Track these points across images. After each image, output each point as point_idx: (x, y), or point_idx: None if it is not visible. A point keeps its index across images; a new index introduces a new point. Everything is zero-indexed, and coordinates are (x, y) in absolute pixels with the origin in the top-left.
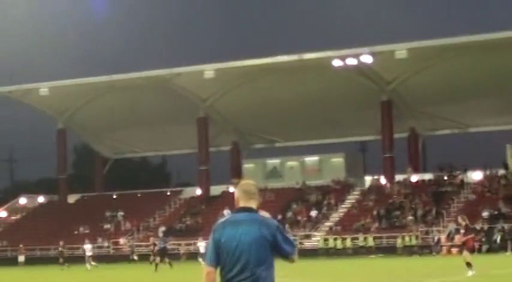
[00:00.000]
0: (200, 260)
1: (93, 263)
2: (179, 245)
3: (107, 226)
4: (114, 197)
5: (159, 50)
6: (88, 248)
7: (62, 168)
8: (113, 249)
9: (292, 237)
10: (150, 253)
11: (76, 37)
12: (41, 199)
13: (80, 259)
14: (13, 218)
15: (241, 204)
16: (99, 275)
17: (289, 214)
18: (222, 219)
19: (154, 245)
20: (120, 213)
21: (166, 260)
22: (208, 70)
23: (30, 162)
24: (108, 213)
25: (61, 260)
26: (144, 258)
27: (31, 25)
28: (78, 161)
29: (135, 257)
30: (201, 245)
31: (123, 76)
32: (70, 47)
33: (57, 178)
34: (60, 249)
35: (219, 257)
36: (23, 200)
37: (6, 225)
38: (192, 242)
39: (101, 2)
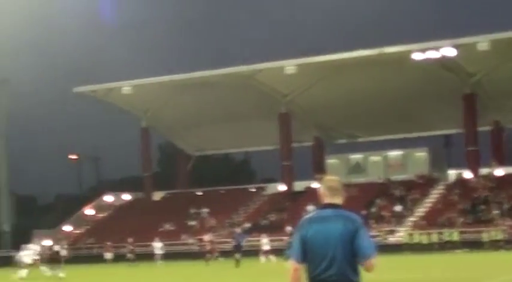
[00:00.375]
0: (263, 257)
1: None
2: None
3: (191, 223)
4: (199, 193)
5: (239, 47)
6: (158, 246)
7: (146, 166)
8: (198, 246)
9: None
10: (207, 251)
11: (160, 35)
12: (126, 197)
13: (166, 256)
14: (99, 215)
15: (326, 200)
16: (178, 272)
17: (373, 209)
18: (308, 216)
19: (210, 242)
20: (205, 210)
21: (237, 256)
22: (289, 66)
23: (115, 161)
24: (192, 210)
25: (130, 256)
26: (225, 255)
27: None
28: (163, 159)
29: (216, 254)
30: (264, 242)
31: (204, 73)
32: (152, 45)
33: (142, 176)
34: (129, 246)
35: (306, 254)
36: (109, 198)
37: (93, 222)
38: (277, 238)
39: (109, 10)
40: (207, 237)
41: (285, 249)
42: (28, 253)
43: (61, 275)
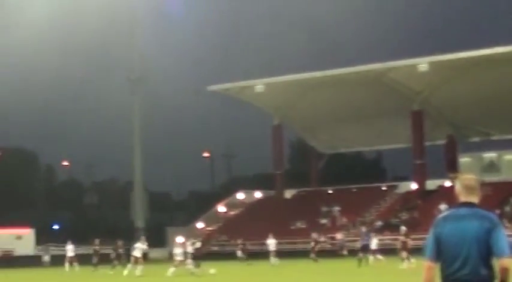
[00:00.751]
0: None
1: (273, 259)
2: (396, 240)
3: (323, 221)
4: (330, 192)
5: (372, 43)
6: (272, 243)
7: (278, 163)
8: (330, 244)
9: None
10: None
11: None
12: (258, 194)
13: (296, 254)
14: (231, 213)
15: (463, 199)
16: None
17: (507, 208)
18: (444, 214)
19: (316, 242)
20: (336, 208)
21: (360, 255)
22: (422, 63)
23: (248, 158)
24: (324, 208)
25: (240, 254)
26: (354, 253)
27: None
28: (294, 157)
29: (345, 252)
30: (373, 241)
31: (336, 71)
32: (285, 43)
33: (274, 173)
34: (240, 244)
35: (440, 252)
36: (240, 195)
37: (225, 220)
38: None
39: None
40: (339, 236)
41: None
42: (137, 249)
43: (212, 271)
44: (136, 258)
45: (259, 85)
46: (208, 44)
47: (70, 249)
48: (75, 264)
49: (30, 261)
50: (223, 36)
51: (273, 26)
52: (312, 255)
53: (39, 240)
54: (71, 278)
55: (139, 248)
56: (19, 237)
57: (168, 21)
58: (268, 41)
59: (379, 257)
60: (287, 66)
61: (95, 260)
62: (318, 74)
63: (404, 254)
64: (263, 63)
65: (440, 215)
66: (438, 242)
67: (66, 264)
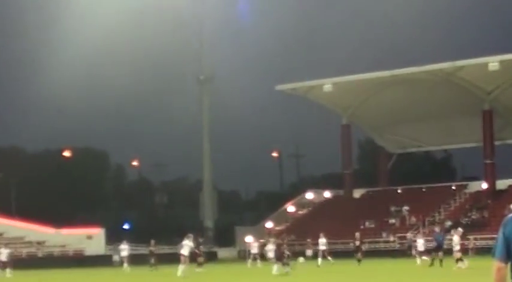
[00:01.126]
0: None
1: (329, 258)
2: (467, 240)
3: (391, 221)
4: (399, 191)
5: (440, 42)
6: (323, 243)
7: (346, 163)
8: (398, 244)
9: None
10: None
11: (365, 33)
12: (326, 194)
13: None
14: (300, 212)
15: None
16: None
17: None
18: None
19: (361, 242)
20: (405, 208)
21: (440, 255)
22: (493, 62)
23: (316, 157)
24: (393, 208)
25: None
26: (423, 253)
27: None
28: (363, 156)
29: (414, 252)
30: (420, 242)
31: (404, 70)
32: (351, 42)
33: (342, 173)
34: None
35: (510, 253)
36: (309, 195)
37: (294, 219)
38: (479, 236)
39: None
40: (409, 235)
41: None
42: (185, 247)
43: (300, 260)
44: (184, 256)
45: (327, 84)
46: (278, 44)
47: (124, 249)
48: (126, 264)
49: (101, 261)
50: (292, 36)
51: (342, 26)
52: (358, 255)
53: (110, 239)
54: (137, 277)
55: (187, 245)
56: (89, 237)
57: (239, 21)
58: (337, 40)
59: (425, 258)
60: (355, 65)
61: (152, 260)
62: (386, 73)
63: (458, 254)
64: (331, 63)
65: (509, 215)
66: (508, 242)
67: (125, 265)
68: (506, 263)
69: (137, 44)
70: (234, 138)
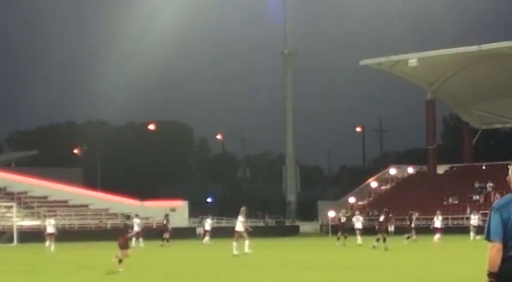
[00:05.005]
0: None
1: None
2: None
3: (475, 197)
4: (483, 167)
5: None
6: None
7: (430, 139)
8: (482, 220)
9: None
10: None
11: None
12: (410, 170)
13: (448, 230)
14: (383, 188)
15: None
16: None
17: None
18: (506, 199)
19: (411, 219)
20: (490, 185)
21: None
22: None
23: (400, 133)
24: (477, 185)
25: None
26: None
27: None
28: (447, 132)
29: None
30: (474, 218)
31: (492, 45)
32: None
33: (426, 149)
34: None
35: (505, 234)
36: (392, 171)
37: (376, 195)
38: None
39: None
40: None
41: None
42: (239, 223)
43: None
44: (239, 232)
45: (412, 59)
46: (361, 18)
47: (209, 223)
48: (207, 238)
49: (184, 233)
50: (376, 11)
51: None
52: (409, 234)
53: (193, 212)
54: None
55: (240, 221)
56: (173, 210)
57: None
58: (423, 15)
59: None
60: (442, 40)
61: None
62: (473, 48)
63: None
64: (417, 38)
65: (500, 199)
66: (505, 225)
67: (206, 238)
68: (501, 243)
69: (221, 20)
70: (318, 113)
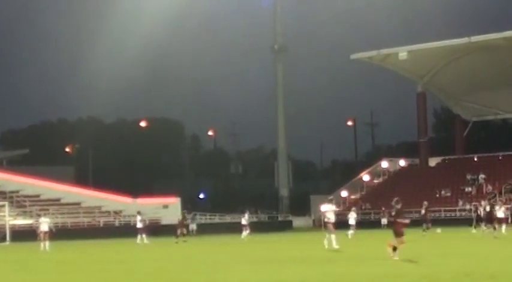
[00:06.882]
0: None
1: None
2: None
3: (468, 189)
4: (475, 159)
5: None
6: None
7: (422, 131)
8: (474, 212)
9: None
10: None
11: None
12: (401, 162)
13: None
14: (375, 181)
15: None
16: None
17: None
18: None
19: (426, 210)
20: (482, 176)
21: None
22: None
23: (391, 126)
24: (469, 176)
25: (426, 224)
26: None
27: None
28: (438, 124)
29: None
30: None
31: (482, 37)
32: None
33: (418, 141)
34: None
35: None
36: (384, 164)
37: (369, 188)
38: None
39: None
40: (484, 203)
41: None
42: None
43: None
44: (333, 224)
45: (402, 52)
46: (351, 13)
47: (245, 219)
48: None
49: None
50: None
51: None
52: (426, 225)
53: (186, 209)
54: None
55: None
56: (166, 206)
57: None
58: (412, 7)
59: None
60: (431, 32)
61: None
62: (463, 40)
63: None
64: (407, 31)
65: None
66: None
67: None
68: None
69: (211, 14)
70: (309, 107)
